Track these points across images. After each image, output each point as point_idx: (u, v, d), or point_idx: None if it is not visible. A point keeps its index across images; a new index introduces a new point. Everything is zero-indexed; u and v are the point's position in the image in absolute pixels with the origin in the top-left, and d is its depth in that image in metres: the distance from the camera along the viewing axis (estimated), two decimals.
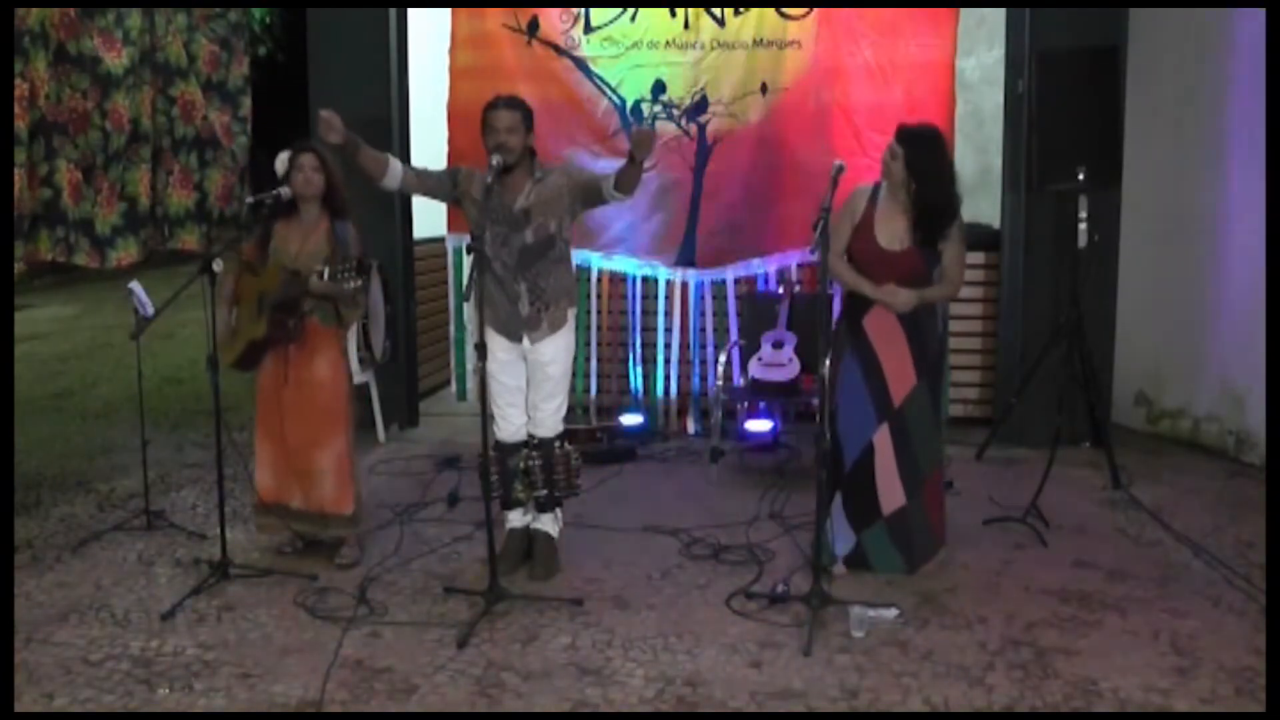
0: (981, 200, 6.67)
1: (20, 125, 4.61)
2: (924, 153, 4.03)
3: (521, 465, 4.30)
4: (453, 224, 6.41)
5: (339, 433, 4.37)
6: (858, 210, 4.16)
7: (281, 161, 4.29)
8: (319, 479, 4.37)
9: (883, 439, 4.13)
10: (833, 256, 4.18)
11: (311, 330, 4.31)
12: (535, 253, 4.15)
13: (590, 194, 4.17)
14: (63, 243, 4.96)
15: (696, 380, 6.48)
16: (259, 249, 4.34)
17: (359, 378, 4.71)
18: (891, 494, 4.15)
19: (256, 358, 4.38)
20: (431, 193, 4.34)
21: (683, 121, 6.24)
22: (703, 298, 6.43)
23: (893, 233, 4.10)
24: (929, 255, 4.10)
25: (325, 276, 4.09)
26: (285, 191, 4.24)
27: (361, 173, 4.14)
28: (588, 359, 6.53)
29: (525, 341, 4.20)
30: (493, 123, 4.04)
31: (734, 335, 6.28)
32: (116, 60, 5.14)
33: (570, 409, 4.44)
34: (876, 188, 4.17)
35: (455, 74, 6.30)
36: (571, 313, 4.29)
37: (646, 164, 6.07)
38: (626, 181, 4.06)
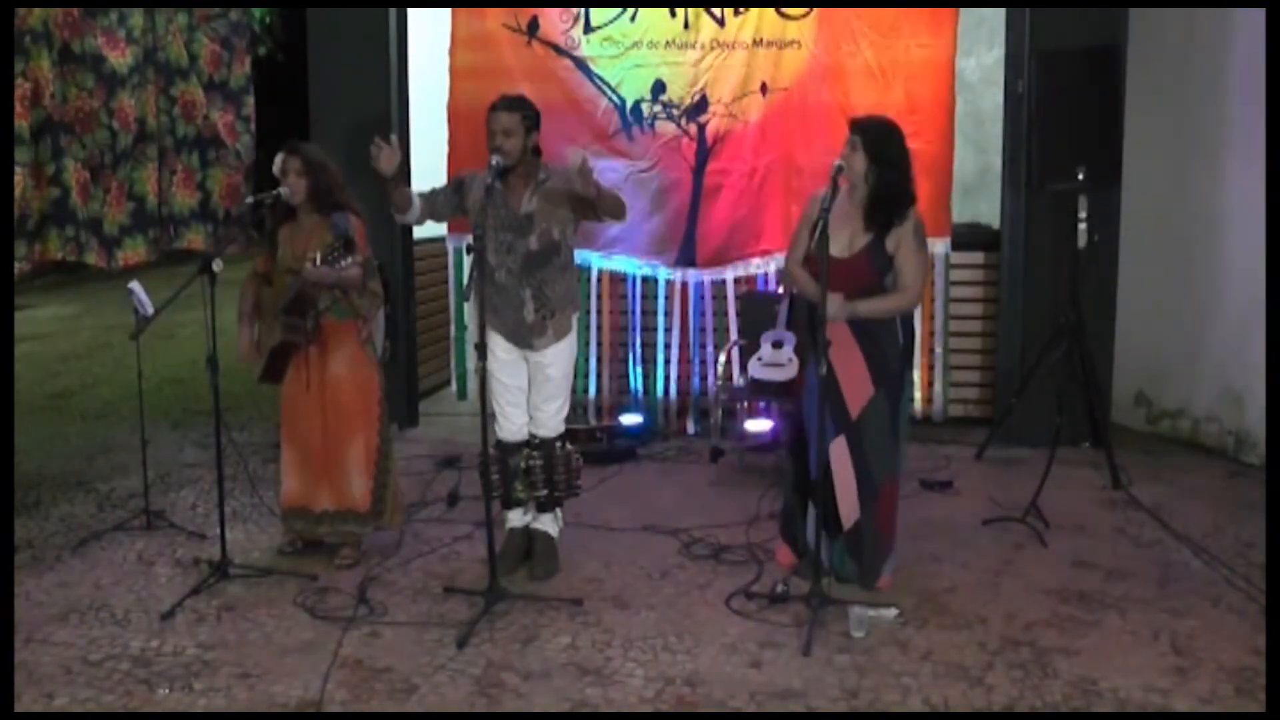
0: (981, 200, 6.69)
1: (23, 124, 4.61)
2: (882, 139, 3.95)
3: (522, 465, 4.30)
4: (453, 224, 6.41)
5: (360, 428, 4.36)
6: (812, 215, 3.99)
7: (277, 164, 4.30)
8: (348, 476, 4.36)
9: (840, 450, 4.02)
10: (792, 262, 4.18)
11: (328, 328, 4.30)
12: (540, 259, 4.15)
13: (585, 207, 4.13)
14: (73, 242, 4.96)
15: (696, 380, 6.48)
16: (270, 259, 4.34)
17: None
18: (848, 508, 4.05)
19: (281, 367, 4.37)
20: (440, 212, 4.32)
21: (683, 121, 6.24)
22: (702, 297, 6.43)
23: (843, 239, 3.96)
24: (877, 261, 3.96)
25: (318, 263, 4.08)
26: (285, 191, 4.24)
27: (391, 203, 4.19)
28: (588, 359, 6.53)
29: (531, 347, 4.20)
30: (490, 125, 4.04)
31: (734, 335, 6.28)
32: (121, 59, 5.15)
33: (570, 409, 4.44)
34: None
35: (455, 74, 6.30)
36: (575, 320, 4.30)
37: (646, 164, 6.21)
38: (601, 211, 4.08)
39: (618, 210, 4.17)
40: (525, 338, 4.20)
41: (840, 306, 3.90)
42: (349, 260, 4.07)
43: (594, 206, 4.08)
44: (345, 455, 4.35)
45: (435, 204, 4.29)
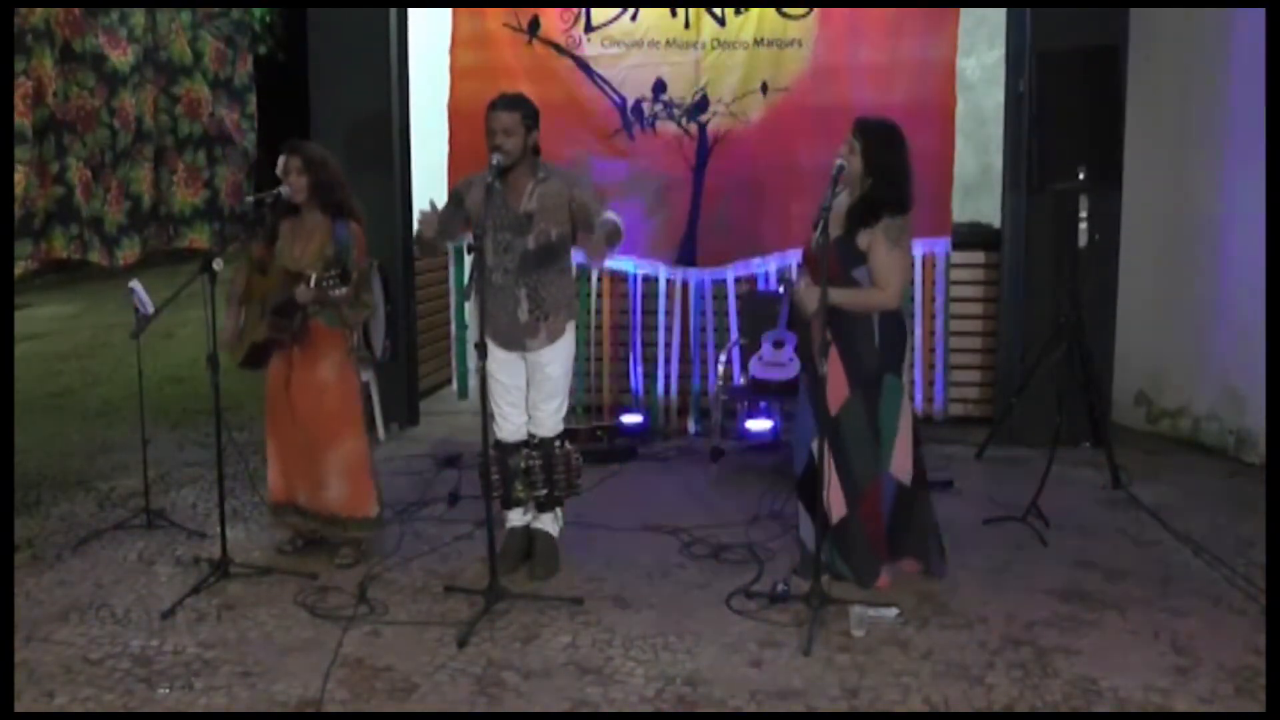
0: (982, 200, 6.69)
1: (25, 123, 4.61)
2: (880, 146, 3.93)
3: (522, 465, 4.30)
4: None
5: (348, 434, 4.37)
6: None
7: (282, 163, 4.30)
8: (328, 481, 4.36)
9: (824, 447, 3.99)
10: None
11: (315, 331, 4.31)
12: (537, 260, 4.14)
13: (582, 225, 4.16)
14: (77, 240, 4.97)
15: (697, 379, 6.48)
16: (268, 248, 4.35)
17: (365, 375, 4.70)
18: (836, 503, 4.04)
19: (262, 358, 4.39)
20: (451, 231, 4.28)
21: (683, 121, 6.24)
22: (703, 297, 6.43)
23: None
24: (842, 254, 3.94)
25: (312, 284, 4.09)
26: (286, 190, 4.24)
27: (428, 254, 4.24)
28: (588, 358, 6.53)
29: (524, 348, 4.20)
30: (490, 125, 4.03)
31: (734, 334, 6.28)
32: (122, 58, 5.15)
33: (571, 408, 4.44)
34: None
35: (456, 74, 6.29)
36: (570, 326, 4.28)
37: (647, 163, 6.21)
38: (593, 250, 4.04)
39: (603, 256, 4.08)
40: (519, 339, 4.19)
41: (807, 292, 3.93)
42: (341, 291, 4.06)
43: (588, 231, 4.10)
44: (327, 459, 4.35)
45: (447, 227, 4.26)
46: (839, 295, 3.89)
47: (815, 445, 3.99)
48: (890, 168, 3.95)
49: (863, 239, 3.95)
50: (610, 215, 4.10)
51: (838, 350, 3.98)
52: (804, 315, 4.07)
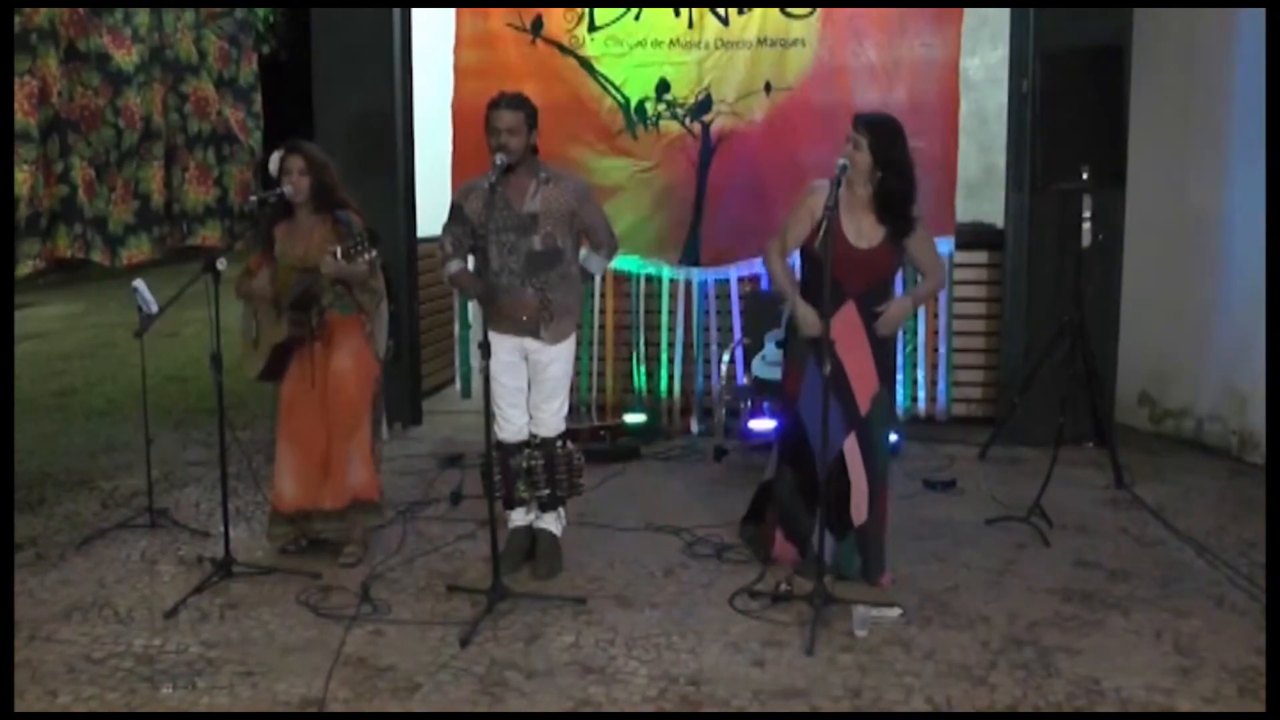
0: (985, 199, 6.68)
1: (30, 122, 4.62)
2: (888, 140, 3.93)
3: (524, 465, 4.30)
4: None
5: (364, 420, 4.37)
6: (816, 208, 3.92)
7: (274, 162, 4.28)
8: (348, 468, 4.35)
9: (851, 448, 4.00)
10: (774, 253, 4.14)
11: (333, 323, 4.30)
12: (543, 261, 4.14)
13: (590, 244, 4.35)
14: (80, 239, 4.98)
15: (700, 379, 6.48)
16: (265, 257, 4.33)
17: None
18: (860, 505, 4.03)
19: (282, 365, 4.36)
20: (466, 245, 4.26)
21: (687, 120, 6.24)
22: (706, 297, 6.44)
23: (859, 229, 3.96)
24: (899, 255, 4.05)
25: (338, 256, 4.04)
26: (288, 190, 4.24)
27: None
28: (592, 358, 6.53)
29: (527, 341, 4.20)
30: (494, 123, 4.02)
31: (737, 334, 6.29)
32: (127, 58, 5.16)
33: (573, 408, 4.43)
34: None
35: (459, 73, 6.30)
36: (574, 334, 4.29)
37: (651, 163, 6.22)
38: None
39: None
40: (524, 331, 4.19)
41: (904, 306, 4.07)
42: (373, 254, 4.06)
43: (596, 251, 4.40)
44: (348, 449, 4.35)
45: (461, 238, 4.25)
46: (923, 293, 4.26)
47: (845, 445, 4.01)
48: (900, 160, 3.96)
49: (911, 242, 4.03)
50: (596, 262, 4.43)
51: (869, 345, 4.00)
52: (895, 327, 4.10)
